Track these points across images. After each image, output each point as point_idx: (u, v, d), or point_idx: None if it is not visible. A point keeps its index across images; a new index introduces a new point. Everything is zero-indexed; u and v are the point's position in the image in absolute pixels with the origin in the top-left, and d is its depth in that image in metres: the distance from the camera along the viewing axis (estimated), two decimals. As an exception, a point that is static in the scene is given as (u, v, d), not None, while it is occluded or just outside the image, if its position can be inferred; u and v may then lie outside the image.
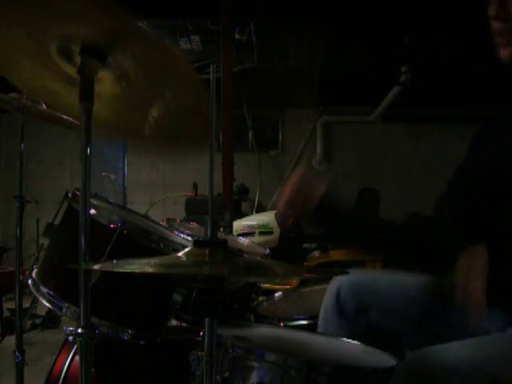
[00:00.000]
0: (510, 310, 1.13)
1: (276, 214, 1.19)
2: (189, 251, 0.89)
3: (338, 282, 1.35)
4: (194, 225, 2.14)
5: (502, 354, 0.97)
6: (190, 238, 1.52)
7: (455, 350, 0.97)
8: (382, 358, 1.14)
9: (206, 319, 0.86)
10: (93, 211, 1.31)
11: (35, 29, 1.00)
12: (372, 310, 1.29)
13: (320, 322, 1.37)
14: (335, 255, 4.59)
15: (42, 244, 1.70)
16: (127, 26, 0.98)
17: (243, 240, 2.26)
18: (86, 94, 1.07)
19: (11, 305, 3.79)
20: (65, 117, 1.87)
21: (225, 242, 0.88)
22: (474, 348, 0.99)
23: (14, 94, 1.91)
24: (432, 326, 1.22)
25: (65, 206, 1.50)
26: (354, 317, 1.29)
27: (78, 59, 1.06)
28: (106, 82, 1.14)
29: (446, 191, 1.28)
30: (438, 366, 0.93)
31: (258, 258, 1.79)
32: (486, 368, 0.92)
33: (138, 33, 1.00)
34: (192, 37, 4.68)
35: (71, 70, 1.10)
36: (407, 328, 1.25)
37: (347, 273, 1.20)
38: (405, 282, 1.33)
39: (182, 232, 1.58)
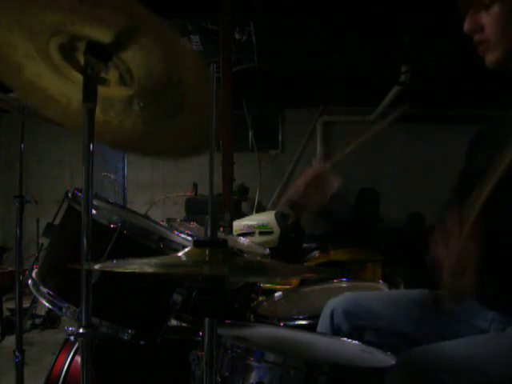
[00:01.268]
0: (508, 310, 1.14)
1: (287, 202, 1.25)
2: (189, 251, 0.89)
3: (331, 306, 1.40)
4: (194, 225, 2.14)
5: (496, 353, 0.98)
6: (189, 238, 1.53)
7: (450, 349, 0.98)
8: (381, 358, 1.14)
9: (206, 319, 0.86)
10: (93, 211, 1.31)
11: (37, 29, 1.00)
12: (365, 330, 1.34)
13: None
14: (335, 255, 4.59)
15: (42, 244, 1.69)
16: (141, 21, 0.97)
17: (243, 240, 2.26)
18: (89, 94, 1.06)
19: (11, 305, 3.80)
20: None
21: (225, 241, 0.88)
22: (469, 346, 1.00)
23: (14, 94, 1.91)
24: (421, 337, 1.25)
25: (65, 206, 1.50)
26: (349, 337, 1.32)
27: (81, 59, 1.06)
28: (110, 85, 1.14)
29: (448, 199, 1.30)
30: (432, 364, 0.93)
31: (258, 257, 1.79)
32: (481, 366, 0.92)
33: (151, 28, 0.99)
34: (192, 37, 4.69)
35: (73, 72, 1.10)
36: (398, 342, 1.28)
37: (347, 273, 1.22)
38: (395, 298, 1.39)
39: (182, 232, 1.59)
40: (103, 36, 1.01)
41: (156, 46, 1.03)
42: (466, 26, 1.18)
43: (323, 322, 1.40)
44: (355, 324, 1.34)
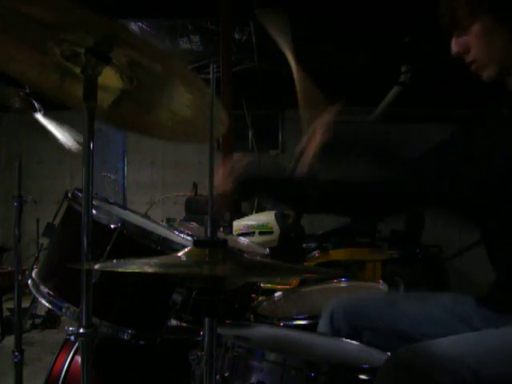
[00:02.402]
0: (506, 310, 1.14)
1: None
2: (189, 251, 0.89)
3: (331, 307, 1.41)
4: (193, 225, 2.14)
5: (485, 350, 0.98)
6: (189, 238, 1.53)
7: (439, 346, 0.98)
8: (381, 358, 1.14)
9: (206, 319, 0.86)
10: (93, 211, 1.31)
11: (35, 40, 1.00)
12: (364, 331, 1.35)
13: None
14: (335, 255, 4.59)
15: (42, 244, 1.70)
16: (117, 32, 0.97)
17: (243, 240, 2.26)
18: (90, 93, 1.06)
19: (11, 305, 3.79)
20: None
21: (225, 241, 0.88)
22: (459, 344, 1.00)
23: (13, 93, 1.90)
24: (420, 337, 1.26)
25: (65, 206, 1.50)
26: (349, 338, 1.34)
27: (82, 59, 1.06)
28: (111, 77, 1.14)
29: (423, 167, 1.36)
30: (420, 362, 0.94)
31: (258, 257, 1.79)
32: (469, 364, 0.92)
33: (129, 38, 1.00)
34: (192, 37, 4.69)
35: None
36: (397, 342, 1.29)
37: (347, 273, 1.23)
38: (393, 300, 1.43)
39: (181, 232, 1.59)
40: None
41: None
42: (453, 50, 1.20)
43: (323, 323, 1.41)
44: (354, 325, 1.36)
